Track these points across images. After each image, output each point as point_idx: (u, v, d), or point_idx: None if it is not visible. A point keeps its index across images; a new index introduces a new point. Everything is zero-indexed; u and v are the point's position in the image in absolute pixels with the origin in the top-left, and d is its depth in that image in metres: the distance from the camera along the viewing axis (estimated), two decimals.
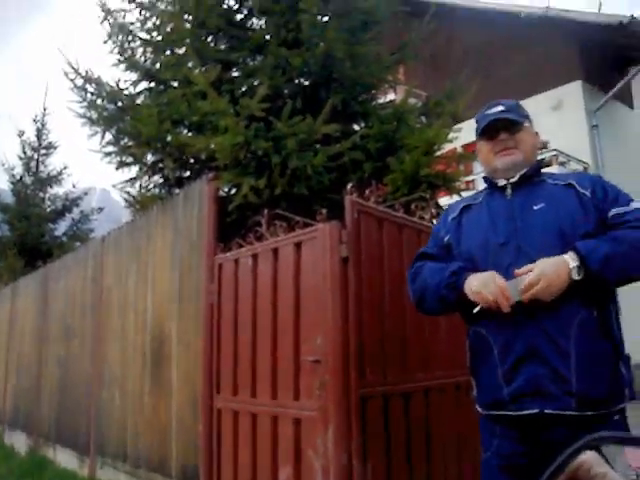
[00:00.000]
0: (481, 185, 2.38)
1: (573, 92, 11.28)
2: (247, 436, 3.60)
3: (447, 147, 4.84)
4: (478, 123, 2.22)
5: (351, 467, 2.95)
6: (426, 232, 3.75)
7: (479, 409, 2.11)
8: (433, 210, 4.04)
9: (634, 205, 1.95)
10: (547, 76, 11.19)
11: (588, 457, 0.80)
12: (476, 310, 1.95)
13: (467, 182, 6.28)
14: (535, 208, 2.03)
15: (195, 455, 4.09)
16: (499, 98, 2.23)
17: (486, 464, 2.07)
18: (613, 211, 1.95)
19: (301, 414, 3.20)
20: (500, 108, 2.16)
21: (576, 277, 1.83)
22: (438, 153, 4.70)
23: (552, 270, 1.83)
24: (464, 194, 4.84)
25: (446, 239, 2.24)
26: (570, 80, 11.25)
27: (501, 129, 2.13)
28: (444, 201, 4.78)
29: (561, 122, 10.87)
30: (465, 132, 5.10)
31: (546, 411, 1.85)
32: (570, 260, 1.85)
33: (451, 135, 4.70)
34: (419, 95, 5.68)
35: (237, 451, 3.70)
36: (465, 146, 8.96)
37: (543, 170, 2.21)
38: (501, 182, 2.16)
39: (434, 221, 3.99)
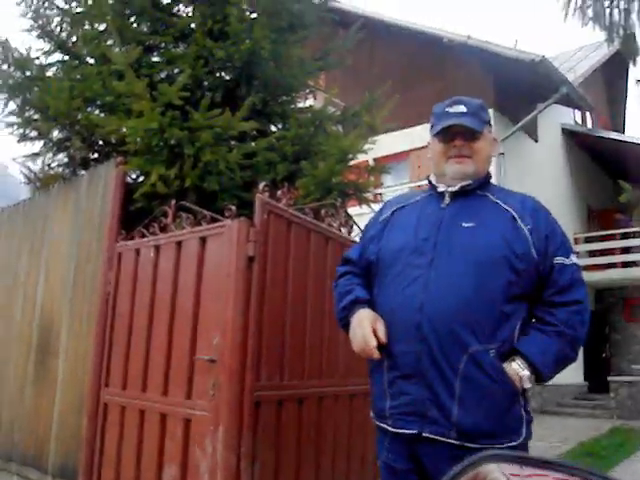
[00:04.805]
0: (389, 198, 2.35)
1: None
2: (133, 432, 3.48)
3: (360, 158, 4.91)
4: (435, 118, 2.03)
5: (239, 469, 2.90)
6: (334, 239, 3.79)
7: (372, 416, 2.04)
8: (342, 218, 4.08)
9: (573, 259, 1.88)
10: None
11: (485, 468, 0.79)
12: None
13: (376, 195, 6.41)
14: (464, 225, 1.87)
15: (76, 451, 3.90)
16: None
17: (381, 471, 2.00)
18: (557, 260, 1.84)
19: (192, 413, 3.12)
20: (462, 109, 1.97)
21: (527, 386, 1.78)
22: (351, 162, 4.77)
23: None
24: (373, 206, 4.93)
25: (370, 247, 2.08)
26: None
27: (458, 134, 1.96)
28: (353, 210, 4.85)
29: None
30: (379, 145, 5.21)
31: (424, 434, 1.79)
32: (520, 369, 1.78)
33: (366, 146, 4.78)
34: (337, 104, 5.73)
35: (121, 448, 3.57)
36: (377, 159, 9.21)
37: (492, 182, 2.06)
38: (440, 188, 2.00)
39: (342, 229, 4.03)
